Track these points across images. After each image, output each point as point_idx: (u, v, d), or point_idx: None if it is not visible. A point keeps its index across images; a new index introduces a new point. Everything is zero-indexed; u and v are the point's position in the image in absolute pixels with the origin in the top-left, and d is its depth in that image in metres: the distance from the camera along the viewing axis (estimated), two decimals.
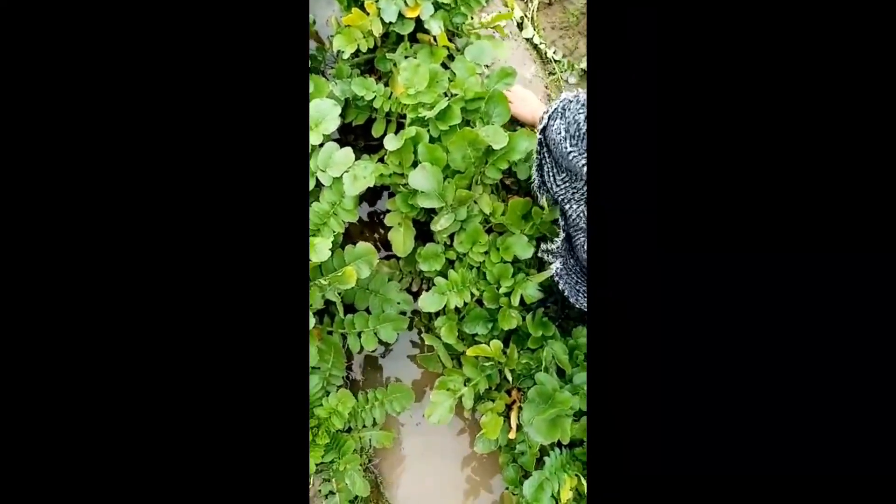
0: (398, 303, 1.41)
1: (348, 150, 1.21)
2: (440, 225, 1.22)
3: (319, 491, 1.31)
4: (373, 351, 1.52)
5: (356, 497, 1.35)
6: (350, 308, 1.42)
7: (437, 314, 1.41)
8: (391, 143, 1.19)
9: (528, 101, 1.37)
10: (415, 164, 1.21)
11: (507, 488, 1.39)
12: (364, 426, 1.38)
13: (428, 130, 1.22)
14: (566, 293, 1.23)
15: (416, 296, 1.58)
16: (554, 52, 1.82)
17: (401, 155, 1.22)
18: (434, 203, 1.17)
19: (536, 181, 1.21)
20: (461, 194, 1.19)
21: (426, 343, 1.39)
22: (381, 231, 1.71)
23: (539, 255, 1.26)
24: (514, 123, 1.44)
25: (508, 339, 1.35)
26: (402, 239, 1.35)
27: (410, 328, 1.53)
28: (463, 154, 1.18)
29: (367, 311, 1.41)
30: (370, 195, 1.71)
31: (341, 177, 1.18)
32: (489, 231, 1.30)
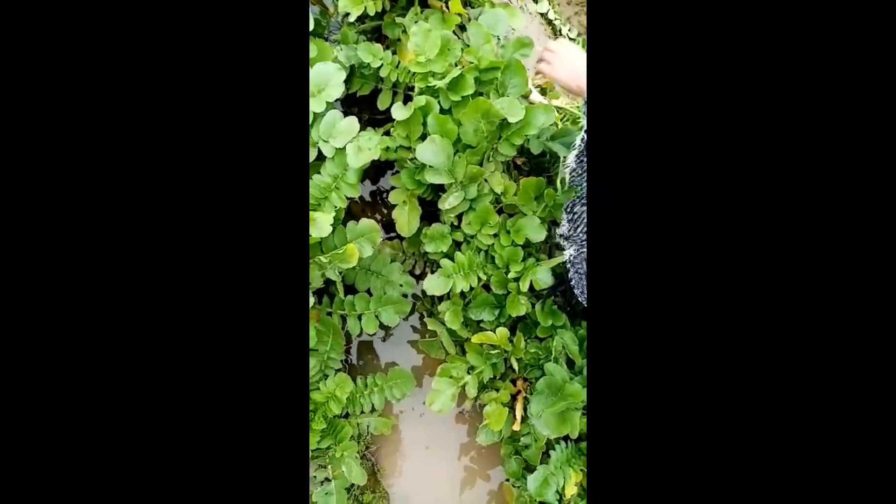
0: (401, 285, 1.34)
1: (353, 119, 1.13)
2: (448, 203, 1.15)
3: (315, 477, 1.26)
4: (373, 334, 1.46)
5: (352, 485, 1.30)
6: (350, 289, 1.35)
7: (442, 298, 1.34)
8: (399, 112, 1.11)
9: (573, 61, 1.04)
10: (423, 137, 1.13)
11: (507, 480, 1.35)
12: (362, 412, 1.33)
13: (438, 101, 1.13)
14: (573, 283, 1.15)
15: (419, 279, 1.51)
16: (569, 30, 1.72)
17: (409, 126, 1.14)
18: (443, 179, 1.10)
19: (575, 169, 1.07)
20: (472, 170, 1.11)
21: (429, 328, 1.32)
22: (385, 211, 1.63)
23: (555, 239, 1.19)
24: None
25: (515, 326, 1.29)
26: (406, 218, 1.28)
27: (412, 312, 1.47)
28: (475, 127, 1.10)
29: (369, 292, 1.34)
30: (373, 172, 1.63)
31: (344, 148, 1.10)
32: (499, 212, 1.23)
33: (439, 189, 1.29)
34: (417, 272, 1.49)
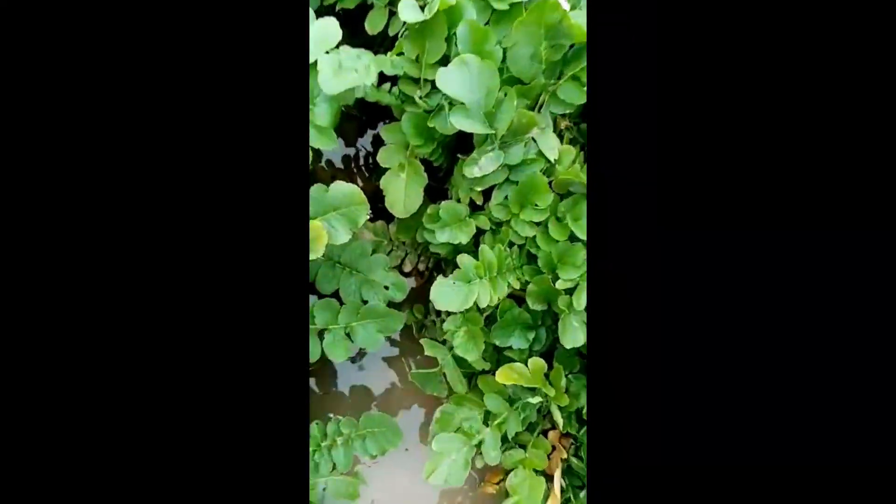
0: (386, 288, 0.92)
1: (330, 22, 0.68)
2: (479, 168, 0.73)
3: None
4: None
5: None
6: (309, 289, 0.91)
7: (448, 311, 0.94)
8: (410, 12, 0.67)
9: None
10: (445, 62, 0.72)
11: None
12: (318, 472, 0.90)
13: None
14: None
15: (407, 276, 1.09)
16: None
17: (423, 40, 0.71)
18: (476, 126, 0.68)
19: None
20: (522, 119, 0.71)
21: (426, 352, 0.91)
22: (365, 171, 1.18)
23: None
24: None
25: (551, 355, 0.91)
26: (403, 189, 0.85)
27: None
28: (534, 51, 0.69)
29: (337, 297, 0.90)
30: (352, 131, 1.17)
31: (315, 63, 0.66)
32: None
33: (460, 149, 0.87)
34: (407, 269, 1.07)
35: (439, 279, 0.76)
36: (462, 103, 0.67)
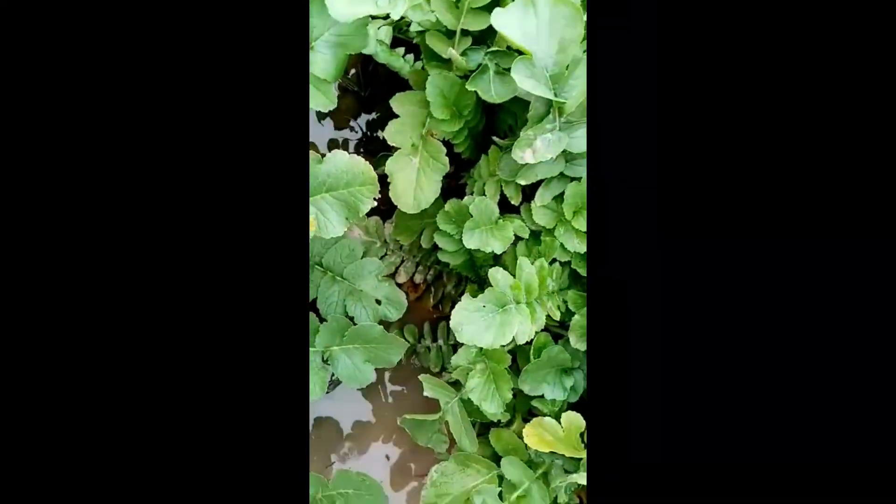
0: (378, 301, 0.70)
1: None
2: (534, 151, 0.53)
3: None
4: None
5: None
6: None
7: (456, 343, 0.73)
8: None
9: None
10: (493, 6, 0.52)
11: None
12: None
13: None
14: None
15: (401, 289, 0.88)
16: None
17: None
18: (541, 88, 0.48)
19: None
20: None
21: (425, 392, 0.69)
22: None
23: None
24: None
25: (574, 404, 0.71)
26: (413, 177, 0.64)
27: None
28: None
29: (316, 311, 0.68)
30: (353, 107, 0.95)
31: None
32: None
33: (491, 131, 0.67)
34: (401, 279, 0.85)
35: (465, 301, 0.55)
36: (528, 55, 0.47)
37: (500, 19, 0.48)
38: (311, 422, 0.86)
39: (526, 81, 0.48)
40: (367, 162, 0.52)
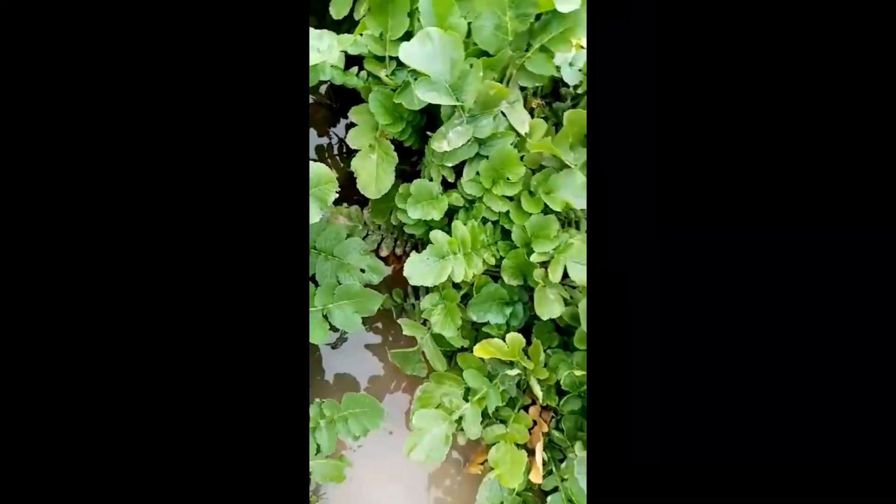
0: (362, 270, 0.92)
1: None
2: (448, 142, 0.73)
3: None
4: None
5: None
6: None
7: (427, 290, 0.94)
8: None
9: None
10: (408, 38, 0.71)
11: None
12: None
13: None
14: None
15: (386, 262, 1.09)
16: None
17: (386, 14, 0.71)
18: (442, 97, 0.68)
19: None
20: (490, 90, 0.70)
21: (404, 332, 0.91)
22: (339, 159, 1.17)
23: None
24: None
25: (529, 331, 0.91)
26: (374, 170, 0.85)
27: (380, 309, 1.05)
28: (498, 21, 0.69)
29: (314, 280, 0.90)
30: (327, 118, 1.16)
31: None
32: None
33: (428, 127, 0.87)
34: (384, 253, 1.07)
35: (413, 255, 0.76)
36: (427, 76, 0.67)
37: (404, 51, 0.67)
38: (331, 376, 1.10)
39: (428, 94, 0.67)
40: (326, 166, 0.72)
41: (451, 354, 0.93)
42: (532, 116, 0.84)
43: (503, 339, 0.82)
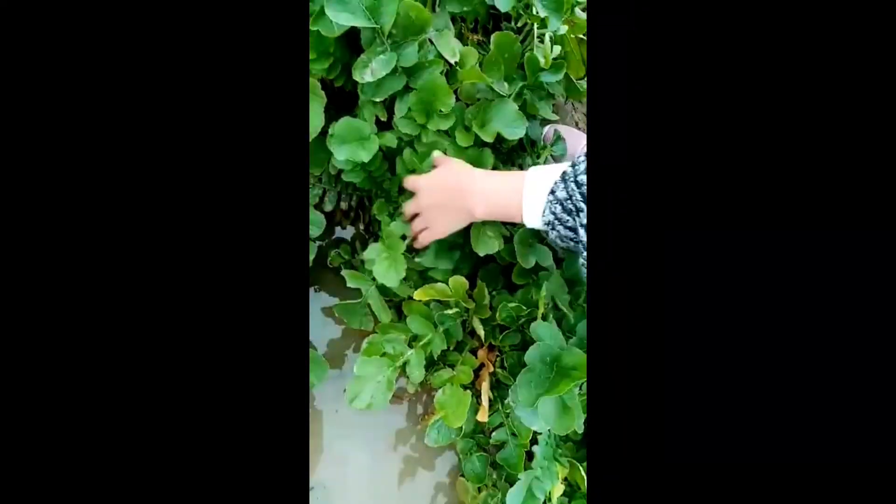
0: None
1: None
2: (371, 71, 0.68)
3: None
4: None
5: None
6: None
7: (366, 241, 0.91)
8: None
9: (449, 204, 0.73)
10: None
11: (461, 475, 1.00)
12: None
13: None
14: (553, 235, 0.67)
15: (330, 216, 1.05)
16: None
17: None
18: (358, 19, 0.63)
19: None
20: (412, 13, 0.65)
21: (348, 284, 0.88)
22: None
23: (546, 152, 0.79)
24: None
25: (474, 276, 0.89)
26: None
27: (322, 263, 1.01)
28: None
29: None
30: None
31: None
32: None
33: (356, 52, 0.81)
34: (328, 208, 1.02)
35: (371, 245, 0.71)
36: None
37: None
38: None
39: (341, 16, 0.62)
40: None
41: (398, 307, 0.91)
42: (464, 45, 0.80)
43: (447, 283, 0.80)
